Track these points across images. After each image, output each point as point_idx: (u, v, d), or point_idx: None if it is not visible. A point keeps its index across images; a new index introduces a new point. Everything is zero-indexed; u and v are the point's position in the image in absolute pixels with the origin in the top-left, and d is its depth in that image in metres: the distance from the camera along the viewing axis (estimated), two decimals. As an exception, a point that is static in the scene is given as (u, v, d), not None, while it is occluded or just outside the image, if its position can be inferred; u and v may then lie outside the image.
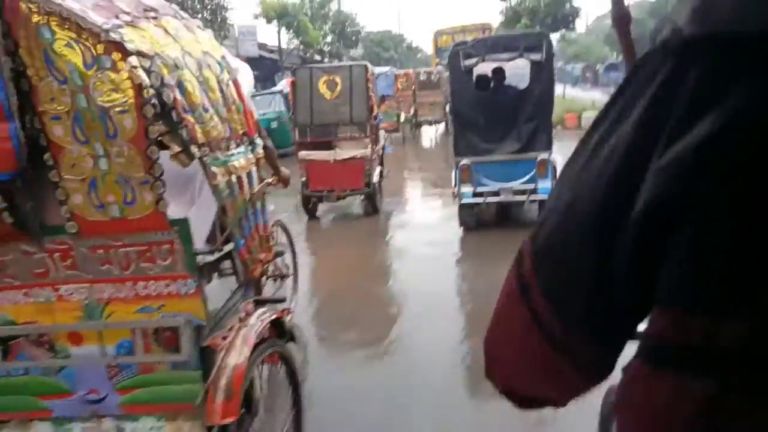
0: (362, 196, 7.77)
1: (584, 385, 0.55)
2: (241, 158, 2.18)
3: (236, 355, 1.97)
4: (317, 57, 30.68)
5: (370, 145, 7.53)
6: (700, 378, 0.40)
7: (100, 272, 1.90)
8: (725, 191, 0.38)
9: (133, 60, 1.63)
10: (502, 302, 0.59)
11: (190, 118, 1.78)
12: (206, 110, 1.93)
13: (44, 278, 1.92)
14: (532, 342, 0.54)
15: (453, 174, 6.38)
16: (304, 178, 7.44)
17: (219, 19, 17.91)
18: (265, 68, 25.88)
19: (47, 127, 1.71)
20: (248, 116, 2.37)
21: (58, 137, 1.72)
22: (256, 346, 2.05)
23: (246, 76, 2.97)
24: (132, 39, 1.66)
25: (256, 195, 2.36)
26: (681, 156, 0.39)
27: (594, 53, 37.71)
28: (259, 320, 2.16)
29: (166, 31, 1.89)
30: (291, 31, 27.58)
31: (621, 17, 0.98)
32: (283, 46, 28.56)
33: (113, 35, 1.62)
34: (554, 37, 23.83)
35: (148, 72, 1.65)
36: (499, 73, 6.71)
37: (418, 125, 17.44)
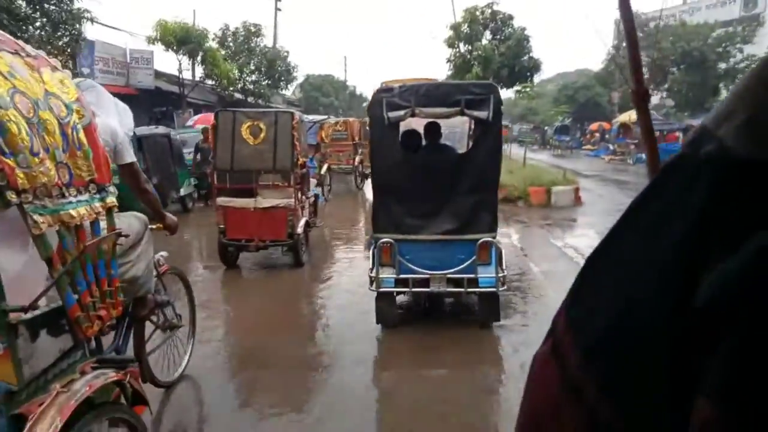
0: (285, 248, 7.42)
1: None
2: (81, 207, 2.04)
3: (46, 425, 1.71)
4: (238, 95, 26.74)
5: (294, 194, 7.22)
6: None
7: None
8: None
9: None
10: (542, 407, 0.57)
11: (9, 161, 1.68)
12: (35, 154, 1.80)
13: None
14: None
15: (370, 254, 4.92)
16: (222, 226, 7.15)
17: (68, 32, 13.61)
18: (165, 102, 22.21)
19: None
20: (99, 163, 2.22)
21: None
22: (78, 413, 1.86)
23: (125, 118, 3.09)
24: None
25: (102, 245, 2.21)
26: (730, 272, 0.41)
27: (541, 114, 38.06)
28: (87, 385, 1.97)
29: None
30: (195, 61, 23.37)
31: (640, 93, 1.14)
32: (189, 77, 24.33)
33: None
34: (509, 93, 22.54)
35: None
36: (433, 129, 5.40)
37: (364, 176, 16.21)
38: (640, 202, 0.51)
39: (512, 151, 22.40)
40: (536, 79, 23.57)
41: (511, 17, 23.02)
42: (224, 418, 3.56)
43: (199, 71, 24.17)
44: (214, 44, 24.75)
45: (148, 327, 3.53)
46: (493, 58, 21.76)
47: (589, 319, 0.53)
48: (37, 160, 1.79)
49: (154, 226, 3.30)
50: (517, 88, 21.46)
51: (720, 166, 0.43)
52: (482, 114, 4.63)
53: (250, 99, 27.37)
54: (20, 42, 2.01)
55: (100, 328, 2.18)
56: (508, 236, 8.89)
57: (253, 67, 27.38)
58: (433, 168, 4.84)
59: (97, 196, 2.18)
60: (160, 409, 3.64)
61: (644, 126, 1.29)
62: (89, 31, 14.96)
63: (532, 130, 40.34)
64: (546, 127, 38.88)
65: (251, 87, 27.49)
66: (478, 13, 22.68)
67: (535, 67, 22.55)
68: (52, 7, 13.03)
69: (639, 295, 0.49)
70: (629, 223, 0.52)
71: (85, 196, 2.08)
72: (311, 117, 16.08)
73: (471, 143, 4.88)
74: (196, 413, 3.72)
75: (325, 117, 18.84)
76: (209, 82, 24.84)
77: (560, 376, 0.54)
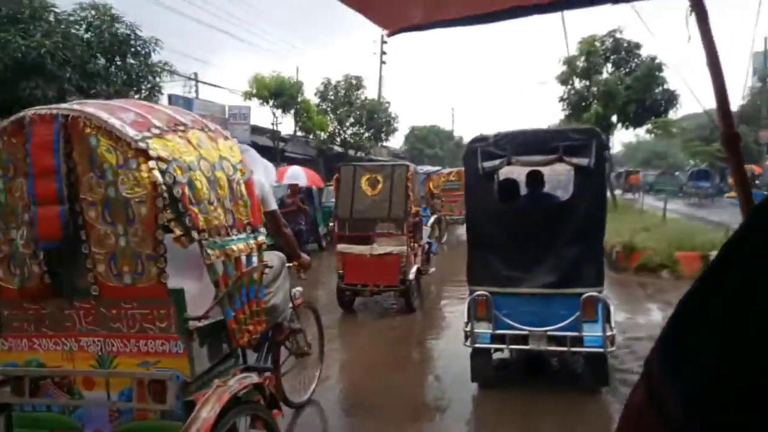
0: (397, 293, 7.74)
1: None
2: (240, 243, 2.58)
3: (209, 408, 2.27)
4: (338, 149, 26.74)
5: (406, 242, 7.52)
6: None
7: (112, 329, 2.35)
8: None
9: (152, 163, 2.14)
10: None
11: (194, 209, 2.26)
12: (211, 203, 2.39)
13: (71, 330, 2.40)
14: None
15: (465, 308, 4.74)
16: (341, 271, 7.56)
17: (146, 87, 13.09)
18: (263, 156, 23.12)
19: (84, 210, 2.25)
20: (254, 209, 2.76)
21: (91, 218, 2.25)
22: (230, 404, 2.38)
23: (268, 174, 3.69)
24: (155, 147, 2.18)
25: (253, 273, 2.71)
26: None
27: (670, 157, 34.60)
28: (238, 383, 2.51)
29: (189, 141, 2.39)
30: (289, 113, 22.75)
31: (730, 138, 1.09)
32: (285, 131, 24.00)
33: (141, 144, 2.15)
34: (633, 134, 19.99)
35: (163, 173, 2.15)
36: (535, 178, 5.20)
37: None
38: (741, 241, 0.49)
39: (644, 201, 19.96)
40: (671, 114, 20.06)
41: (638, 45, 19.55)
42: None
43: (293, 125, 23.91)
44: (311, 97, 24.63)
45: (283, 352, 3.98)
46: (618, 92, 18.62)
47: (688, 368, 0.51)
48: (212, 207, 2.38)
49: (290, 264, 3.74)
50: (648, 126, 18.88)
51: None
52: (583, 161, 4.37)
53: (351, 152, 27.35)
54: (205, 120, 2.70)
55: (248, 339, 2.69)
56: (649, 318, 7.17)
57: (353, 120, 26.91)
58: (532, 217, 4.62)
59: (252, 235, 2.71)
60: (290, 428, 4.06)
61: (736, 170, 1.26)
62: (183, 89, 15.25)
63: (659, 175, 35.86)
64: (677, 173, 34.89)
65: (351, 140, 27.28)
66: (597, 43, 19.54)
67: (671, 99, 18.95)
68: (132, 61, 12.76)
69: (741, 348, 0.46)
70: (729, 262, 0.50)
71: (243, 235, 2.63)
72: (424, 168, 16.25)
73: (574, 191, 4.60)
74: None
75: (438, 168, 18.91)
76: (303, 134, 24.70)
77: (662, 423, 0.52)
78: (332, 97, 26.49)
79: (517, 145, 4.48)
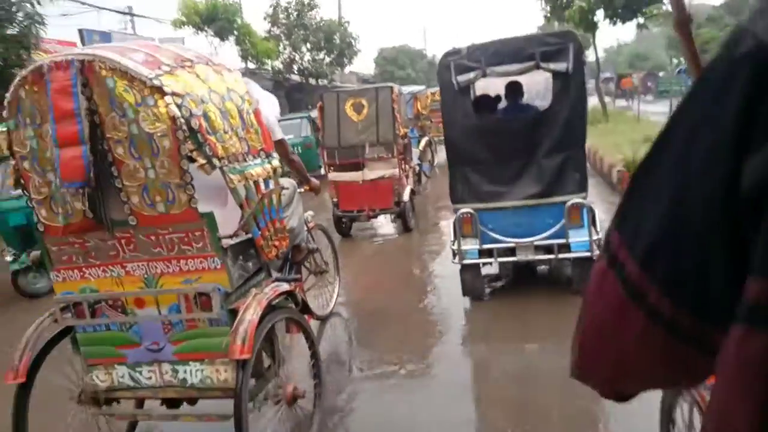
0: (393, 215, 7.84)
1: (712, 368, 0.53)
2: (257, 168, 2.82)
3: (251, 312, 2.56)
4: (297, 77, 23.94)
5: (397, 165, 7.51)
6: None
7: (153, 254, 2.60)
8: None
9: (168, 99, 2.32)
10: (604, 315, 0.61)
11: (212, 138, 2.47)
12: (226, 132, 2.60)
13: (116, 258, 2.65)
14: (656, 342, 0.56)
15: (451, 226, 4.77)
16: (335, 199, 7.60)
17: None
18: None
19: (112, 148, 2.44)
20: (265, 136, 2.98)
21: (119, 155, 2.44)
22: (268, 309, 2.66)
23: (272, 106, 3.75)
24: (168, 84, 2.35)
25: (272, 195, 2.96)
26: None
27: (651, 60, 33.55)
28: (272, 290, 2.77)
29: (197, 75, 2.57)
30: (227, 41, 19.71)
31: (682, 21, 1.10)
32: (230, 63, 22.56)
33: (155, 82, 2.31)
34: (624, 30, 17.85)
35: (179, 107, 2.34)
36: (515, 89, 5.07)
37: None
38: (681, 108, 0.54)
39: (640, 108, 18.62)
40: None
41: None
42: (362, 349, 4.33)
43: (236, 52, 20.63)
44: (259, 23, 21.76)
45: (303, 272, 4.27)
46: None
47: (642, 229, 0.56)
48: (227, 136, 2.59)
49: (302, 189, 3.99)
50: (638, 20, 16.86)
51: (758, 59, 0.45)
52: (561, 66, 4.25)
53: (312, 81, 24.86)
54: (208, 55, 2.90)
55: (275, 254, 2.99)
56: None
57: (310, 45, 23.87)
58: (511, 129, 4.55)
59: (266, 160, 2.93)
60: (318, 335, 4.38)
61: (689, 54, 1.24)
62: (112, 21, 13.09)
63: (645, 77, 34.14)
64: (661, 73, 33.55)
65: (310, 67, 24.29)
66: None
67: None
68: None
69: (688, 192, 0.51)
70: (672, 130, 0.54)
71: (258, 161, 2.85)
72: (409, 89, 15.75)
73: (552, 99, 4.49)
74: (345, 339, 4.70)
75: (422, 87, 18.37)
76: (256, 65, 21.24)
77: (620, 283, 0.57)
78: (284, 21, 23.55)
79: (492, 55, 4.33)
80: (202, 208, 2.48)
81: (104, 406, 2.88)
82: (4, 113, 2.52)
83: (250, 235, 2.79)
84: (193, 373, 2.69)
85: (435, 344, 4.29)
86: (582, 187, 4.50)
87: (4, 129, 2.60)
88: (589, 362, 0.67)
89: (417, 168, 8.95)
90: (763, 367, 0.44)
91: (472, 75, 4.34)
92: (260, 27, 22.02)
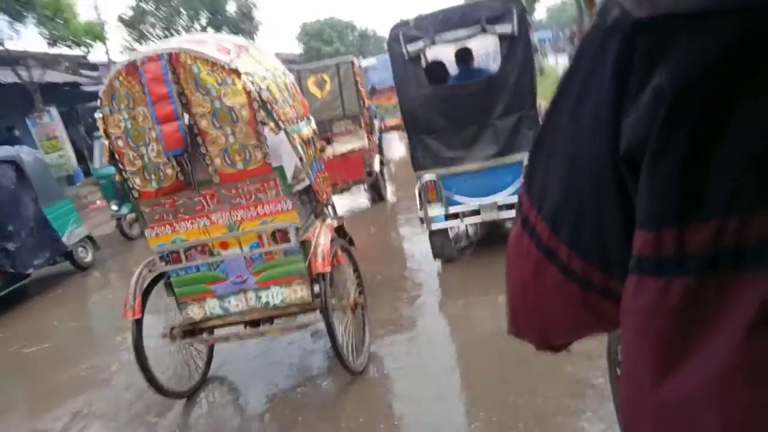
0: (365, 186, 8.03)
1: None
2: (304, 129, 3.50)
3: (323, 238, 3.24)
4: None
5: (366, 136, 7.64)
6: (676, 278, 0.47)
7: (234, 204, 3.24)
8: (669, 128, 0.46)
9: (244, 77, 2.91)
10: (524, 275, 0.65)
11: (276, 107, 3.07)
12: (283, 101, 3.25)
13: (201, 212, 3.27)
14: (572, 296, 0.60)
15: (416, 193, 4.91)
16: None
17: None
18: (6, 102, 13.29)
19: (198, 121, 3.03)
20: (303, 104, 3.70)
21: (204, 126, 3.04)
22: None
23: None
24: (240, 65, 2.94)
25: (316, 152, 3.68)
26: (641, 107, 0.48)
27: (564, 18, 33.05)
28: (330, 225, 3.47)
29: (253, 57, 3.22)
30: (25, 20, 13.54)
31: None
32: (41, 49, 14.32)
33: (232, 65, 2.91)
34: None
35: (251, 83, 2.92)
36: (464, 55, 5.21)
37: None
38: (568, 73, 0.57)
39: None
40: None
41: None
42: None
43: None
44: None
45: None
46: None
47: (547, 191, 0.59)
48: (284, 105, 3.21)
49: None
50: None
51: (623, 28, 0.49)
52: (505, 28, 4.39)
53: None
54: (249, 42, 3.55)
55: (327, 197, 3.73)
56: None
57: (187, 17, 18.14)
58: (464, 96, 4.68)
59: (309, 123, 3.61)
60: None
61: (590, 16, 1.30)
62: None
63: (567, 35, 32.59)
64: (575, 27, 33.24)
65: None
66: None
67: None
68: None
69: (579, 153, 0.55)
70: (562, 94, 0.57)
71: (303, 123, 3.50)
72: (365, 62, 15.63)
73: (501, 62, 4.63)
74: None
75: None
76: (66, 51, 15.44)
77: (534, 244, 0.61)
78: None
79: (439, 23, 4.44)
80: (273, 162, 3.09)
81: (197, 336, 3.49)
82: (100, 102, 3.01)
83: (307, 182, 3.42)
84: (275, 295, 3.32)
85: (414, 303, 4.46)
86: (537, 144, 4.67)
87: (101, 115, 3.05)
88: (520, 319, 0.72)
89: (378, 140, 9.18)
90: (655, 310, 0.48)
91: (421, 43, 4.45)
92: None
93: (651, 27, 0.47)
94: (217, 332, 3.57)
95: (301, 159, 3.26)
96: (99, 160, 9.22)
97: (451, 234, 5.15)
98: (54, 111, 14.70)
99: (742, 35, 0.43)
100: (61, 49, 15.16)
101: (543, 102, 4.98)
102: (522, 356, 3.32)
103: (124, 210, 8.86)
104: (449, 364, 3.57)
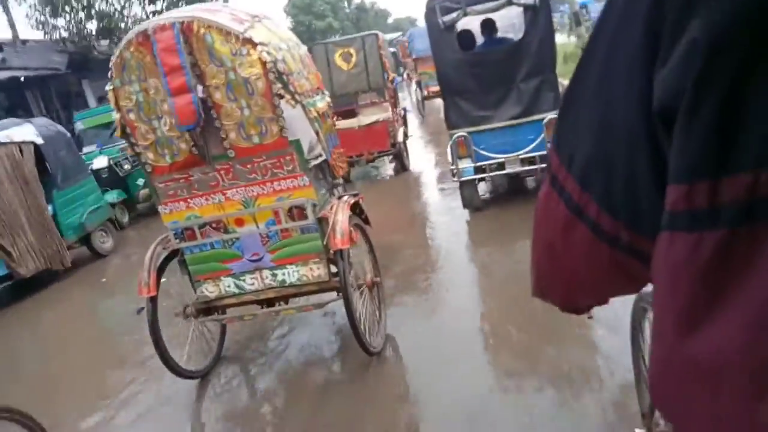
0: (390, 157, 8.38)
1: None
2: (319, 103, 3.24)
3: (341, 214, 3.08)
4: (100, 53, 14.99)
5: (390, 108, 7.93)
6: (709, 231, 0.46)
7: (249, 179, 3.04)
8: (705, 81, 0.44)
9: (260, 47, 2.72)
10: (552, 233, 0.65)
11: (292, 78, 2.86)
12: (298, 73, 3.01)
13: (216, 188, 3.08)
14: (600, 254, 0.60)
15: (448, 149, 5.55)
16: None
17: None
18: None
19: (212, 94, 2.84)
20: (317, 77, 3.46)
21: (218, 99, 2.85)
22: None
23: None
24: (255, 35, 2.75)
25: (331, 127, 3.46)
26: (675, 60, 0.46)
27: None
28: (347, 200, 3.28)
29: (267, 28, 2.96)
30: None
31: None
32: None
33: (246, 35, 2.73)
34: None
35: (267, 54, 2.73)
36: (489, 25, 5.79)
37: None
38: (596, 30, 0.57)
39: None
40: None
41: None
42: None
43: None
44: None
45: None
46: None
47: (576, 150, 0.60)
48: (300, 77, 3.04)
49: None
50: None
51: None
52: (529, 0, 4.97)
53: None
54: (264, 12, 3.21)
55: (343, 173, 3.54)
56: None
57: None
58: (491, 61, 5.29)
59: (324, 96, 3.43)
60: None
61: None
62: None
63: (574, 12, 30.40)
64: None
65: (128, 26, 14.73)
66: None
67: None
68: None
69: (610, 108, 0.54)
70: (590, 51, 0.57)
71: (318, 96, 3.30)
72: (389, 36, 15.78)
73: (524, 31, 5.22)
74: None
75: (398, 34, 18.47)
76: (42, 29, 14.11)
77: (563, 203, 0.61)
78: None
79: (470, -4, 5.04)
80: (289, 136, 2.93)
81: (211, 315, 3.38)
82: (110, 74, 2.88)
83: (324, 157, 3.27)
84: (291, 273, 3.18)
85: (450, 246, 5.13)
86: (556, 105, 5.25)
87: (111, 87, 2.92)
88: (545, 280, 0.72)
89: (402, 112, 9.43)
90: (687, 265, 0.47)
91: (455, 15, 5.06)
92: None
93: None
94: (231, 311, 3.49)
95: (317, 133, 3.10)
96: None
97: (479, 187, 5.80)
98: None
99: None
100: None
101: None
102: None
103: (114, 197, 8.42)
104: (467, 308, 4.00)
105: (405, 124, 9.55)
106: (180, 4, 15.35)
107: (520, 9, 5.29)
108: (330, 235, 3.03)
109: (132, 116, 2.96)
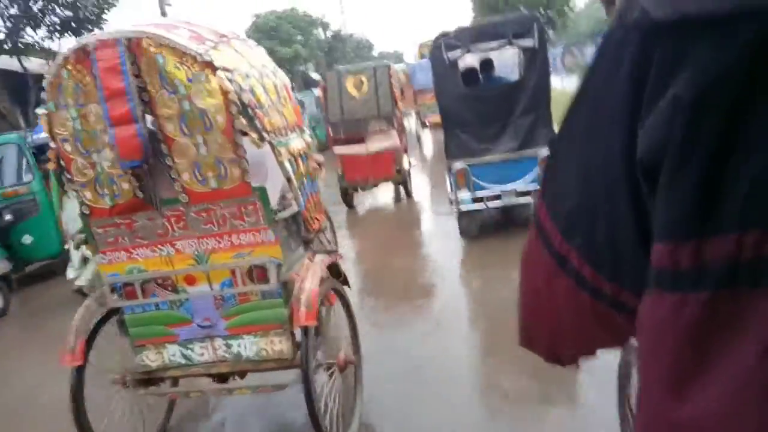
0: (395, 183, 8.62)
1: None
2: (293, 142, 2.74)
3: (310, 281, 2.59)
4: (10, 60, 13.91)
5: (397, 136, 8.12)
6: (692, 293, 0.46)
7: (204, 230, 2.54)
8: (688, 139, 0.45)
9: (220, 73, 2.26)
10: (537, 282, 0.66)
11: (260, 112, 2.40)
12: (270, 107, 2.56)
13: (164, 237, 2.57)
14: (583, 305, 0.60)
15: (447, 179, 5.75)
16: (340, 171, 8.19)
17: None
18: None
19: (162, 125, 2.37)
20: (296, 111, 2.98)
21: (170, 132, 2.37)
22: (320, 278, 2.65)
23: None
24: (217, 59, 2.29)
25: (309, 170, 2.93)
26: (658, 115, 0.46)
27: (578, 35, 33.17)
28: (321, 261, 2.79)
29: (236, 50, 2.53)
30: None
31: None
32: None
33: (206, 57, 2.26)
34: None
35: (230, 81, 2.28)
36: (487, 64, 6.11)
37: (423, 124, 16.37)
38: (586, 76, 0.56)
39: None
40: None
41: None
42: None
43: None
44: None
45: None
46: None
47: (561, 201, 0.60)
48: (271, 111, 2.56)
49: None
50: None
51: (642, 27, 0.47)
52: (528, 42, 5.30)
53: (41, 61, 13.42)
54: (235, 31, 2.80)
55: (317, 227, 2.94)
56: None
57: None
58: (491, 97, 5.57)
59: (303, 134, 2.92)
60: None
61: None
62: None
63: (563, 52, 28.64)
64: (574, 47, 28.67)
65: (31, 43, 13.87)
66: None
67: None
68: None
69: (594, 161, 0.54)
70: (579, 98, 0.57)
71: (295, 134, 2.82)
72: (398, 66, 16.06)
73: (523, 70, 5.54)
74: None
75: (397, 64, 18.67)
76: None
77: (547, 252, 0.62)
78: None
79: (475, 35, 5.36)
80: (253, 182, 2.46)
81: (152, 387, 2.85)
82: (44, 95, 2.41)
83: (296, 209, 2.77)
84: (247, 346, 2.66)
85: (446, 271, 5.26)
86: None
87: (45, 111, 2.46)
88: (531, 329, 0.73)
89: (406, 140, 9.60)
90: (671, 325, 0.47)
91: (459, 52, 5.34)
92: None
93: (670, 29, 0.45)
94: (179, 384, 3.02)
95: (289, 179, 2.61)
96: None
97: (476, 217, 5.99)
98: None
99: (758, 41, 0.41)
100: None
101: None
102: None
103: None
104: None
105: (406, 151, 9.86)
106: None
107: (517, 50, 5.63)
108: (293, 307, 2.54)
109: (68, 147, 2.46)
